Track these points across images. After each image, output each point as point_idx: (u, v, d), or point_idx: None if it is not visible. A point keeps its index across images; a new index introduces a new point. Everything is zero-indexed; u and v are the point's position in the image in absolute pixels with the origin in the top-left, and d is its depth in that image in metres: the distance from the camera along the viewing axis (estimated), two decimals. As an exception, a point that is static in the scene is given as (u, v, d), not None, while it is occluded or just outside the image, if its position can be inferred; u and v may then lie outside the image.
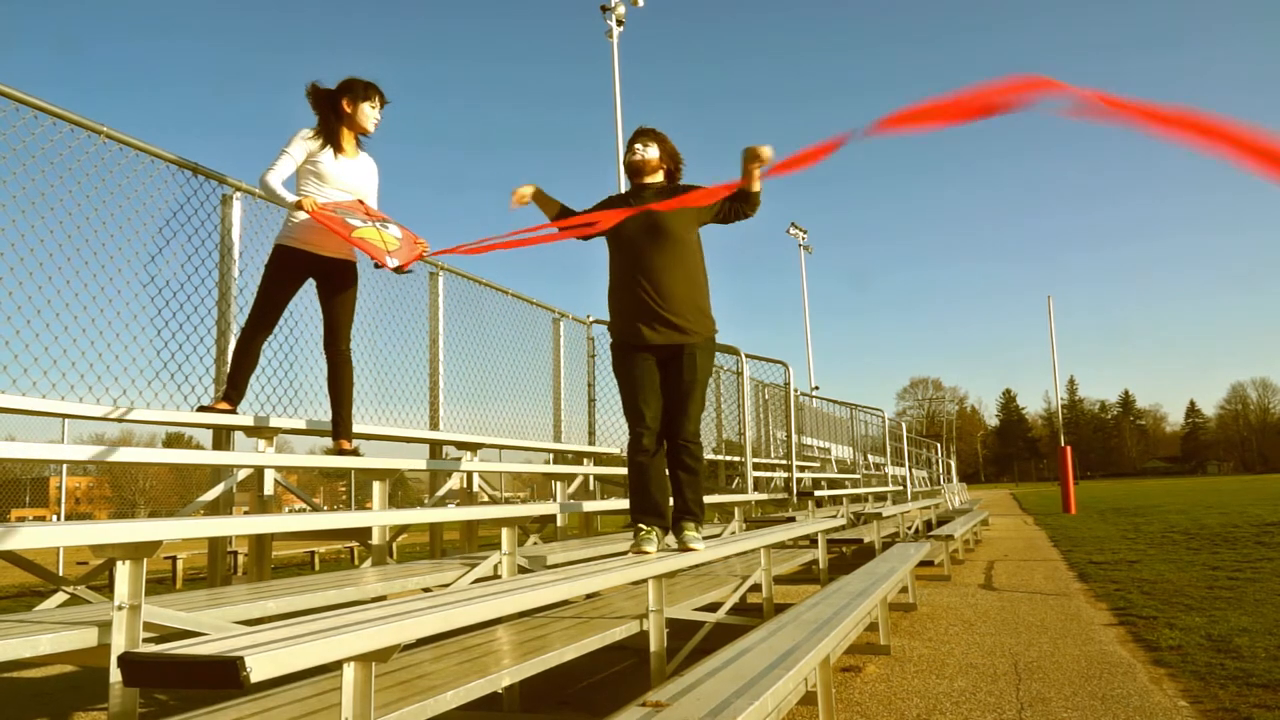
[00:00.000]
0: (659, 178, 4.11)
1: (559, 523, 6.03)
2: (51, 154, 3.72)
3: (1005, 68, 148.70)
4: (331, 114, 4.31)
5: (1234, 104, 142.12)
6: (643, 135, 4.13)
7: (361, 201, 4.36)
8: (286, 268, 4.20)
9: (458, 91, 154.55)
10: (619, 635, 3.35)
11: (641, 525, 3.94)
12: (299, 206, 4.09)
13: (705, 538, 4.15)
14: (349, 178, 4.34)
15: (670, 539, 4.04)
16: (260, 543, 4.40)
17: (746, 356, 9.29)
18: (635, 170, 4.11)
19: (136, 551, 2.32)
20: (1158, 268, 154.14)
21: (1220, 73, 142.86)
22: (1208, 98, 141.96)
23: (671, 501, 4.07)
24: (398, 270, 4.29)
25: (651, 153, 4.06)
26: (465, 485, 6.07)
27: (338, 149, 4.30)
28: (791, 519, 7.29)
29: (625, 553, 3.93)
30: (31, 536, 2.32)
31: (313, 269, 4.27)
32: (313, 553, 13.72)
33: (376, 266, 4.19)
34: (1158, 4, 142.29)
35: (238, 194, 4.69)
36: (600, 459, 7.82)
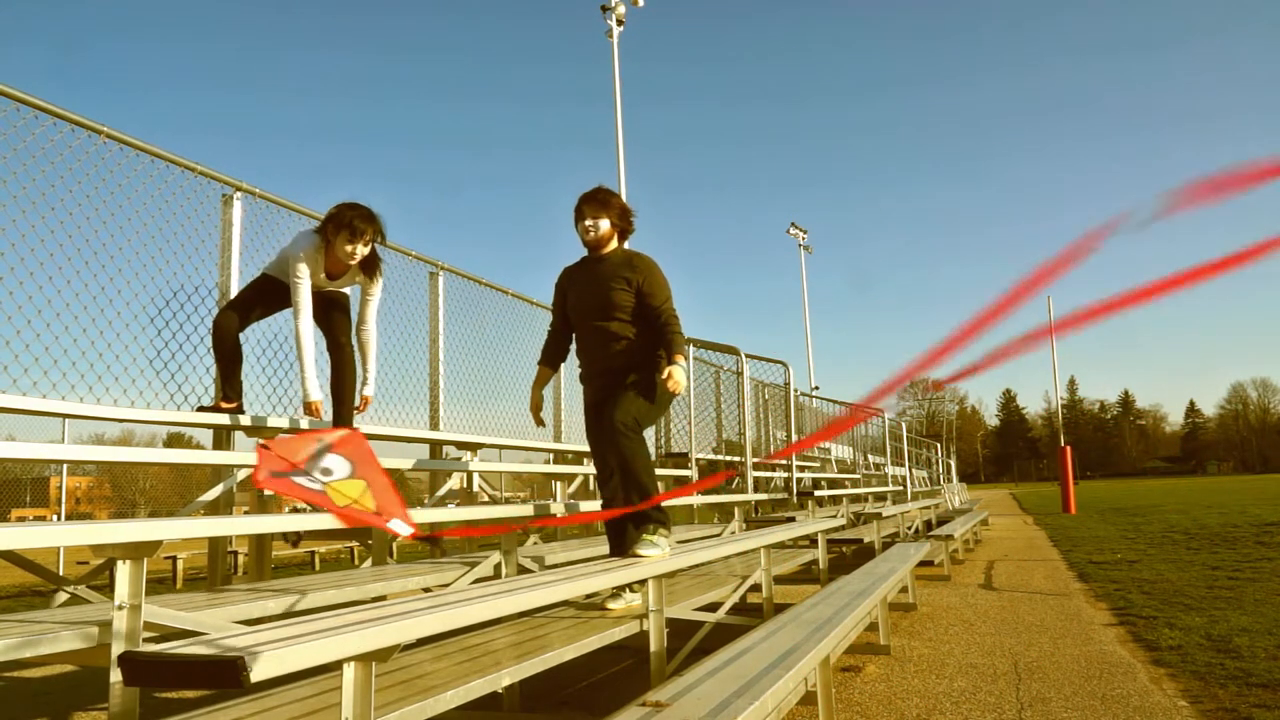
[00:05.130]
0: (613, 244, 4.02)
1: (559, 523, 6.03)
2: (51, 154, 3.73)
3: (1005, 67, 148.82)
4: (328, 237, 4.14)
5: (1235, 105, 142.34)
6: (591, 205, 3.94)
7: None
8: (275, 290, 4.24)
9: (458, 91, 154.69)
10: (619, 635, 3.34)
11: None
12: (309, 410, 4.08)
13: (684, 541, 4.03)
14: (321, 309, 4.26)
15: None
16: (260, 543, 4.40)
17: (746, 356, 9.28)
18: (592, 246, 4.01)
19: (136, 551, 2.32)
20: (1158, 268, 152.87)
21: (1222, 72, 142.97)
22: (1208, 98, 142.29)
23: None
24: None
25: (604, 226, 3.92)
26: (465, 485, 6.07)
27: (328, 274, 4.19)
28: (791, 519, 7.29)
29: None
30: (31, 536, 2.32)
31: None
32: (313, 553, 13.72)
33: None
34: (1158, 4, 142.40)
35: (238, 194, 4.69)
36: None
